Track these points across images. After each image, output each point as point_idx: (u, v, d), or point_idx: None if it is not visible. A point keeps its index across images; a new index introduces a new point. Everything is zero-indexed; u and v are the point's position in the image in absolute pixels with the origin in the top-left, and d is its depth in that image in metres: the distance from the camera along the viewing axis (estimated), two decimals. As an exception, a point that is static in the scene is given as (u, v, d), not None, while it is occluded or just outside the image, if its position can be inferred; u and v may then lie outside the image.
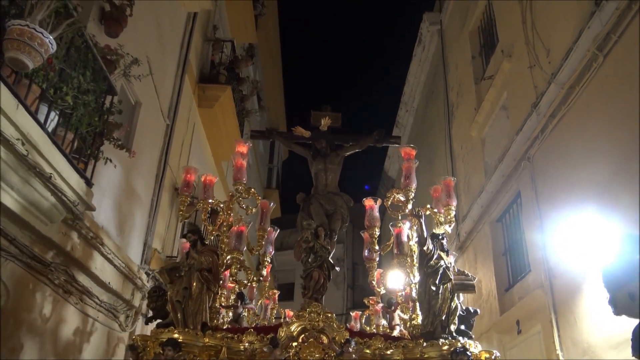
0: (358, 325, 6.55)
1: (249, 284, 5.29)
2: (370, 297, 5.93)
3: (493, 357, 4.11)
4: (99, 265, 5.36)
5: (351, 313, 7.30)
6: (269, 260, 5.86)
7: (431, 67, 12.44)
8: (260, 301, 6.68)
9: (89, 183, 4.61)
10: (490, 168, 7.94)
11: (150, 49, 6.99)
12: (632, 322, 4.37)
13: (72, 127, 4.34)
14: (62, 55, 4.02)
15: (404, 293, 5.10)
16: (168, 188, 7.85)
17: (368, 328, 5.98)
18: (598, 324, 4.92)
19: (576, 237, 5.22)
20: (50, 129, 4.04)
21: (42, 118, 3.90)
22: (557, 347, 5.60)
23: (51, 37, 3.41)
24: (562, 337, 5.57)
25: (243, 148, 5.10)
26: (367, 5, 35.31)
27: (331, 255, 5.39)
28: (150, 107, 7.14)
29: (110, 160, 5.25)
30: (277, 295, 6.95)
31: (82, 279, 5.12)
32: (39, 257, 4.37)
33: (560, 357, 5.52)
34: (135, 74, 5.54)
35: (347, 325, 7.45)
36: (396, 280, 5.27)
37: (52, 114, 4.06)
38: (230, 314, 5.54)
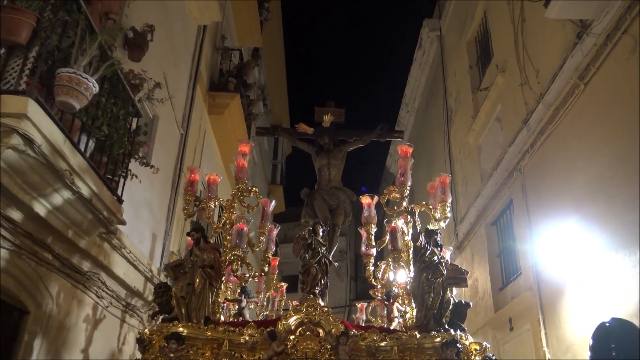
0: (364, 317, 6.68)
1: (250, 278, 5.39)
2: (377, 288, 5.83)
3: (483, 349, 4.16)
4: (125, 270, 5.88)
5: (357, 304, 7.36)
6: (271, 256, 5.90)
7: (431, 71, 12.85)
8: (267, 294, 6.85)
9: (120, 200, 5.13)
10: (486, 174, 8.42)
11: (166, 65, 7.45)
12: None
13: (106, 151, 4.85)
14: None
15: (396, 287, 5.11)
16: (183, 194, 8.33)
17: (373, 319, 6.07)
18: (579, 325, 5.43)
19: (561, 246, 5.72)
20: (88, 154, 4.55)
21: (82, 146, 4.41)
22: (544, 344, 6.10)
23: (94, 81, 3.90)
24: (548, 335, 6.07)
25: (246, 148, 5.12)
26: (369, 9, 35.59)
27: (335, 248, 5.55)
28: (167, 120, 7.61)
29: (137, 176, 5.77)
30: (284, 288, 7.03)
31: (111, 284, 5.65)
32: (76, 267, 4.89)
33: (547, 353, 6.04)
34: (157, 96, 6.02)
35: (353, 316, 7.73)
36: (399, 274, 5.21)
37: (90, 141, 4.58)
38: (236, 307, 5.78)
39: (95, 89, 3.93)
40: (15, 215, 3.88)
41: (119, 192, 5.20)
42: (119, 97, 4.90)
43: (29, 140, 3.59)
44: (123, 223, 5.28)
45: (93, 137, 4.61)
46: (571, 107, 5.54)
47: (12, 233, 3.91)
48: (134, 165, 5.69)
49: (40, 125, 3.66)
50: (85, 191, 4.37)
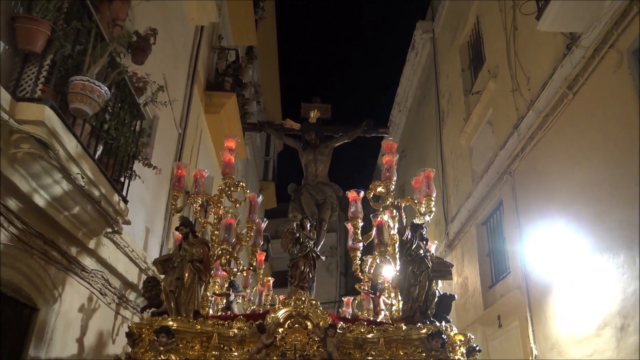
0: (350, 310, 6.78)
1: (238, 272, 5.44)
2: (363, 282, 5.78)
3: (467, 339, 4.26)
4: (127, 268, 6.04)
5: (343, 299, 7.54)
6: (259, 251, 5.95)
7: (423, 72, 13.05)
8: (254, 288, 6.97)
9: (125, 201, 5.28)
10: (477, 176, 8.65)
11: (165, 65, 7.58)
12: (592, 323, 5.17)
13: (112, 154, 5.00)
14: (107, 94, 4.64)
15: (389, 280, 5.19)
16: (170, 190, 8.43)
17: (359, 313, 6.10)
18: (565, 323, 5.69)
19: (549, 247, 5.97)
20: (96, 157, 4.70)
21: (91, 149, 4.56)
22: (531, 340, 6.35)
23: (106, 88, 4.05)
24: (535, 332, 6.32)
25: (231, 144, 5.13)
26: (362, 9, 35.84)
27: (322, 243, 5.62)
28: (165, 120, 7.75)
29: (139, 177, 5.93)
30: (271, 283, 7.10)
31: (114, 281, 5.80)
32: (83, 265, 5.05)
33: (534, 350, 6.29)
34: (158, 98, 6.16)
35: (340, 310, 7.83)
36: (385, 268, 5.27)
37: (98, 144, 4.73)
38: (225, 301, 5.88)
39: (107, 95, 4.09)
40: (27, 215, 4.03)
41: (124, 193, 5.36)
42: (125, 102, 5.06)
43: (45, 146, 3.74)
44: (128, 223, 5.44)
45: (101, 140, 4.77)
46: (560, 115, 5.78)
47: (25, 233, 4.06)
48: (136, 166, 5.84)
49: (56, 131, 3.81)
50: (94, 192, 4.53)
